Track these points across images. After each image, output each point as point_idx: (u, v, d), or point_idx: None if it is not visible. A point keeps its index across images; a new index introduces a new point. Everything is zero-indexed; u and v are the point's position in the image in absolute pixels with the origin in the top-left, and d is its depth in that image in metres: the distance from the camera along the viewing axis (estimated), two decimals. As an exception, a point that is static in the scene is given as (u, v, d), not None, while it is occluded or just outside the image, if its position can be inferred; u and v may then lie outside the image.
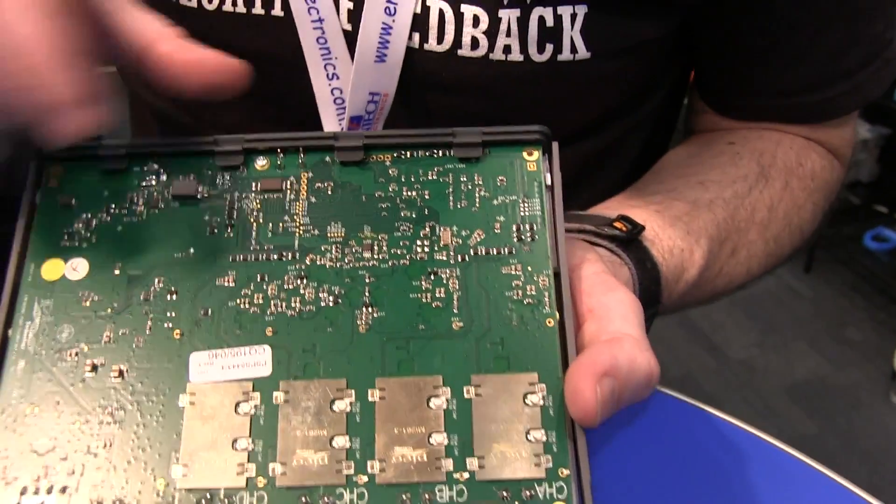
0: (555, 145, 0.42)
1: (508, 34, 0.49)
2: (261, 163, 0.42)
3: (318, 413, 0.37)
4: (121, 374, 0.38)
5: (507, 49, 0.49)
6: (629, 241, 0.49)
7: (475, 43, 0.49)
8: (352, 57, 0.50)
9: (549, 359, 0.37)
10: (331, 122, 0.53)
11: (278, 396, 0.37)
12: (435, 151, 0.42)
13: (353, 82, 0.50)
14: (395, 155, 0.42)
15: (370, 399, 0.37)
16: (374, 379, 0.37)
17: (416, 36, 0.49)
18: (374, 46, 0.49)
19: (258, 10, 0.50)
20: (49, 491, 0.36)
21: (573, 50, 0.50)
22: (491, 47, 0.49)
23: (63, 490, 0.36)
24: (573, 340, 0.38)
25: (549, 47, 0.49)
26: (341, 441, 0.36)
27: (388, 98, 0.51)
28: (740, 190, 0.57)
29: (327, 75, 0.51)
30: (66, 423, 0.37)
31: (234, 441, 0.36)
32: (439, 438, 0.36)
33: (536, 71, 0.50)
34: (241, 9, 0.50)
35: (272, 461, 0.36)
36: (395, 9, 0.48)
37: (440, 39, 0.49)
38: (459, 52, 0.49)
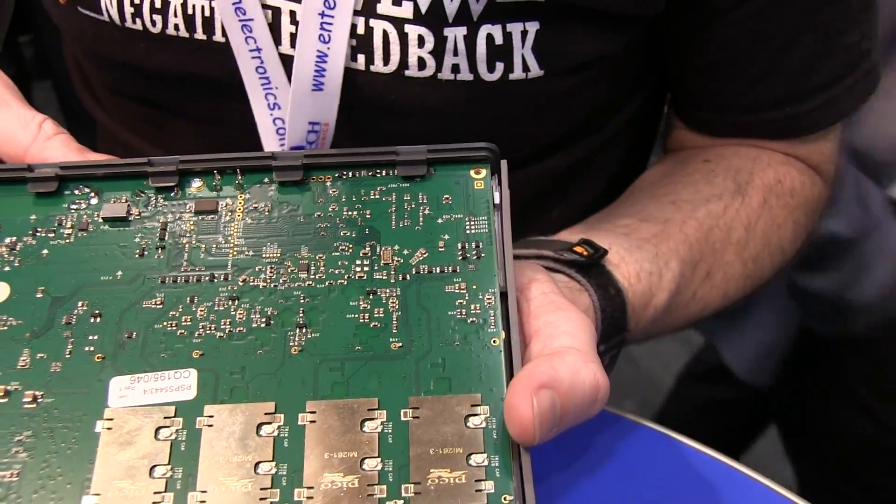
0: (503, 163, 0.40)
1: (456, 53, 0.47)
2: (196, 184, 0.40)
3: (244, 438, 0.34)
4: (34, 399, 0.35)
5: (455, 68, 0.48)
6: (590, 265, 0.46)
7: (422, 63, 0.48)
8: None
9: (493, 379, 0.35)
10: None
11: (202, 421, 0.35)
12: (378, 171, 0.40)
13: (292, 112, 0.48)
14: (336, 175, 0.40)
15: (300, 423, 0.34)
16: (304, 402, 0.35)
17: (362, 58, 0.48)
18: (310, 75, 0.47)
19: (199, 35, 0.49)
20: None
21: (525, 68, 0.48)
22: (439, 67, 0.48)
23: (-36, 522, 0.33)
24: (520, 360, 0.35)
25: (500, 66, 0.48)
26: (267, 467, 0.33)
27: (328, 127, 0.49)
28: (715, 209, 0.54)
29: (268, 105, 0.49)
30: None
31: (153, 468, 0.34)
32: (372, 464, 0.33)
33: (488, 90, 0.49)
34: (183, 33, 0.49)
35: (192, 489, 0.33)
36: (329, 36, 0.47)
37: (386, 60, 0.48)
38: (406, 72, 0.48)
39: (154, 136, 0.56)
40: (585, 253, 0.46)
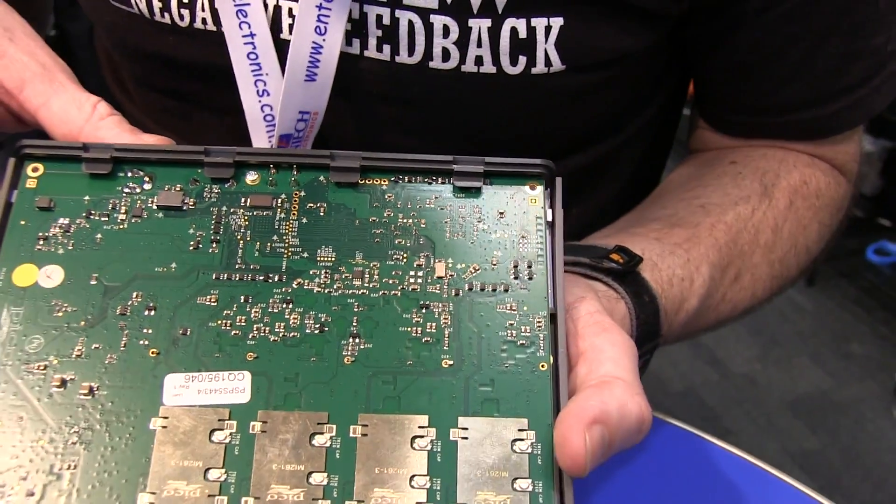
0: (558, 181, 0.40)
1: (479, 45, 0.47)
2: (251, 177, 0.41)
3: (297, 447, 0.35)
4: (91, 391, 0.36)
5: (478, 60, 0.48)
6: (625, 273, 0.47)
7: (446, 54, 0.48)
8: (283, 73, 0.49)
9: (540, 405, 0.36)
10: (260, 139, 0.51)
11: (255, 426, 0.35)
12: (434, 179, 0.41)
13: (283, 101, 0.49)
14: (391, 179, 0.41)
15: (351, 435, 0.35)
16: (357, 414, 0.36)
17: (387, 48, 0.48)
18: (304, 65, 0.48)
19: (199, 24, 0.49)
20: None
21: (547, 62, 0.49)
22: (462, 59, 0.48)
23: (21, 512, 0.34)
24: (566, 388, 0.36)
25: (523, 59, 0.48)
26: (319, 478, 0.35)
27: (318, 116, 0.49)
28: (743, 212, 0.55)
29: (257, 91, 0.49)
30: (28, 441, 0.35)
31: (207, 471, 0.35)
32: (422, 481, 0.35)
33: (509, 84, 0.49)
34: (210, 27, 0.50)
35: (245, 494, 0.34)
36: (325, 28, 0.46)
37: (411, 51, 0.48)
38: (431, 63, 0.48)
39: (181, 128, 0.57)
40: (621, 261, 0.47)
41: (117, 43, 0.56)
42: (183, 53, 0.52)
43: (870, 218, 2.21)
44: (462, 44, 0.48)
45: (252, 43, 0.48)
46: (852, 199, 0.63)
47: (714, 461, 0.52)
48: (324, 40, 0.47)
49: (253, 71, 0.48)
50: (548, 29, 0.48)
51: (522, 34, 0.48)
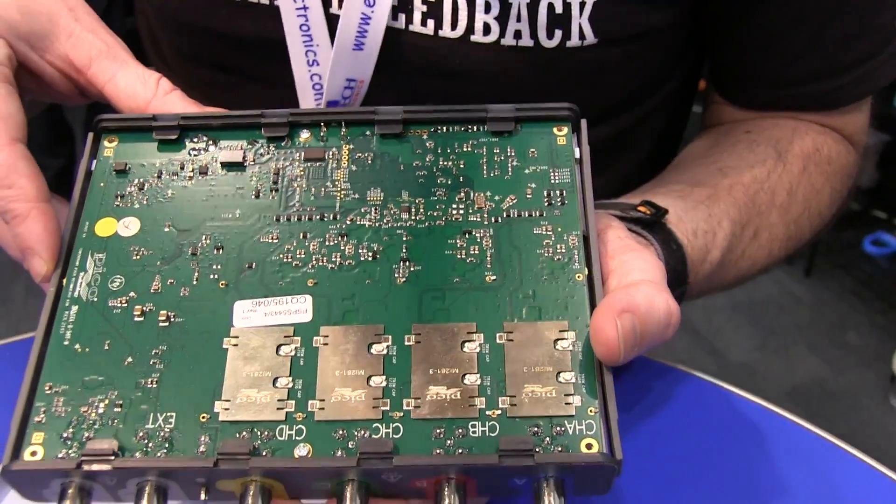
0: (583, 122, 0.44)
1: (519, 19, 0.52)
2: (304, 135, 0.45)
3: (357, 355, 0.38)
4: (168, 318, 0.39)
5: (517, 34, 0.52)
6: (653, 223, 0.51)
7: (487, 29, 0.52)
8: (333, 45, 0.53)
9: (578, 309, 0.39)
10: (308, 105, 0.55)
11: (318, 340, 0.39)
12: (470, 127, 0.44)
13: (332, 68, 0.53)
14: (431, 129, 0.44)
15: (406, 343, 0.38)
16: (410, 325, 0.39)
17: (431, 23, 0.52)
18: (353, 35, 0.52)
19: (278, 1, 0.53)
20: (99, 425, 0.37)
21: (581, 36, 0.52)
22: (502, 33, 0.52)
23: (111, 423, 0.37)
24: (601, 292, 0.39)
25: (558, 33, 0.52)
26: (378, 380, 0.38)
27: (363, 85, 0.54)
28: (759, 174, 0.59)
29: (307, 61, 0.53)
30: (115, 363, 0.38)
31: (275, 380, 0.38)
32: (473, 379, 0.37)
33: (546, 57, 0.53)
34: (264, 0, 0.53)
35: (311, 398, 0.37)
36: (374, 1, 0.51)
37: (454, 25, 0.52)
38: (472, 37, 0.52)
39: (227, 101, 0.60)
40: (648, 212, 0.50)
41: (167, 19, 0.59)
42: (235, 27, 0.56)
43: (866, 210, 2.24)
44: (502, 19, 0.52)
45: (305, 16, 0.52)
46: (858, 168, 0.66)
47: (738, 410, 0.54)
48: (372, 11, 0.51)
49: (304, 42, 0.53)
50: (582, 4, 0.52)
51: (559, 9, 0.52)
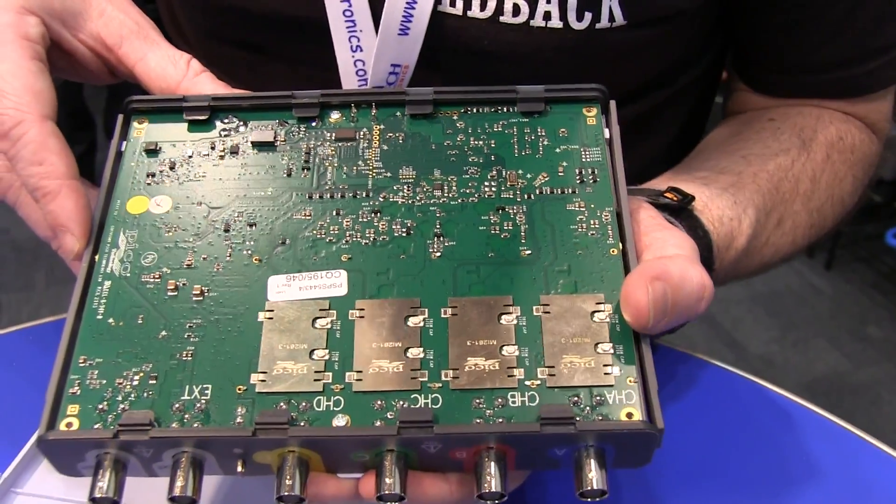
0: (612, 103, 0.44)
1: (548, 1, 0.52)
2: (335, 116, 0.45)
3: (393, 327, 0.38)
4: (202, 293, 0.39)
5: (547, 16, 0.52)
6: (680, 209, 0.51)
7: (516, 10, 0.52)
8: (377, 30, 0.53)
9: (613, 282, 0.39)
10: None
11: (354, 313, 0.39)
12: (500, 108, 0.45)
13: (377, 54, 0.53)
14: (462, 110, 0.45)
15: (443, 316, 0.38)
16: (446, 298, 0.39)
17: (460, 3, 0.52)
18: (398, 20, 0.52)
19: None
20: (134, 397, 0.37)
21: (611, 18, 0.53)
22: (532, 14, 0.52)
23: (147, 394, 0.37)
24: (636, 266, 0.39)
25: (588, 15, 0.52)
26: (416, 352, 0.37)
27: (408, 69, 0.54)
28: (783, 162, 0.59)
29: (351, 47, 0.53)
30: (149, 336, 0.38)
31: (312, 352, 0.38)
32: (511, 350, 0.37)
33: (575, 39, 0.53)
34: None
35: (348, 370, 0.37)
36: None
37: (483, 6, 0.52)
38: (501, 18, 0.52)
39: (248, 80, 0.59)
40: (675, 198, 0.51)
41: None
42: (261, 4, 0.56)
43: (889, 202, 2.21)
44: (532, 0, 0.52)
45: (348, 1, 0.52)
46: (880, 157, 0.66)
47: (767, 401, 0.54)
48: None
49: (348, 28, 0.53)
50: None
51: None
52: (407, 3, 0.51)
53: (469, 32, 0.53)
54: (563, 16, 0.52)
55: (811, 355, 1.92)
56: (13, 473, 0.47)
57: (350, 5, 0.52)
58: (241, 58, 0.60)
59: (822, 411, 0.54)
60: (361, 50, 0.54)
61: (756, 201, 0.56)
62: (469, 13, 0.52)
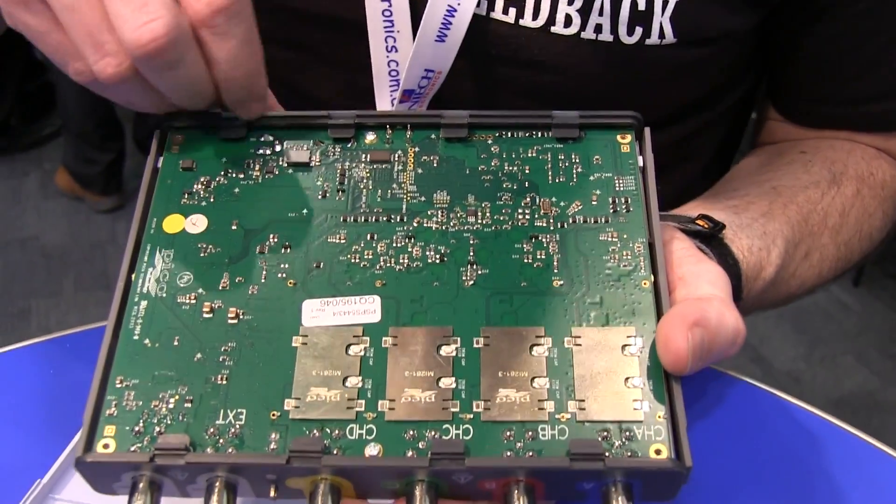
0: (647, 130, 0.44)
1: (601, 14, 0.52)
2: (370, 137, 0.45)
3: (426, 356, 0.38)
4: (237, 316, 0.40)
5: (598, 28, 0.52)
6: (711, 237, 0.51)
7: (568, 20, 0.52)
8: (414, 32, 0.53)
9: (645, 316, 0.39)
10: (383, 93, 0.55)
11: (387, 340, 0.39)
12: (534, 132, 0.45)
13: (412, 59, 0.52)
14: (496, 134, 0.45)
15: (475, 346, 0.39)
16: (479, 328, 0.39)
17: (513, 11, 0.52)
18: (436, 26, 0.51)
19: None
20: (170, 420, 0.37)
21: (661, 35, 0.53)
22: (583, 25, 0.52)
23: (182, 417, 0.37)
24: (668, 300, 0.39)
25: (639, 30, 0.52)
26: (448, 382, 0.38)
27: (441, 75, 0.54)
28: (813, 195, 0.59)
29: (386, 47, 0.53)
30: (184, 358, 0.39)
31: (345, 379, 0.38)
32: (542, 382, 0.38)
33: (624, 53, 0.53)
34: None
35: (381, 398, 0.38)
36: None
37: (535, 15, 0.52)
38: (553, 28, 0.52)
39: (291, 82, 0.59)
40: (706, 226, 0.51)
41: None
42: (311, 4, 0.55)
43: None
44: (585, 11, 0.52)
45: (389, 1, 0.52)
46: None
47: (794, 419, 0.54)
48: (458, 4, 0.51)
49: (385, 27, 0.53)
50: (665, 3, 0.52)
51: (642, 6, 0.52)
52: (447, 10, 0.51)
53: (519, 41, 0.53)
54: (615, 29, 0.52)
55: (839, 372, 1.90)
56: (51, 479, 0.48)
57: (390, 5, 0.52)
58: (287, 59, 0.59)
59: (851, 428, 0.54)
60: (397, 51, 0.54)
61: (785, 233, 0.56)
62: (521, 21, 0.52)
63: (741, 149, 0.72)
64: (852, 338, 2.00)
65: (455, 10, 0.51)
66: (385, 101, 0.55)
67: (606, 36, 0.53)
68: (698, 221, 0.51)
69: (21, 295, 2.03)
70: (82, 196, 2.22)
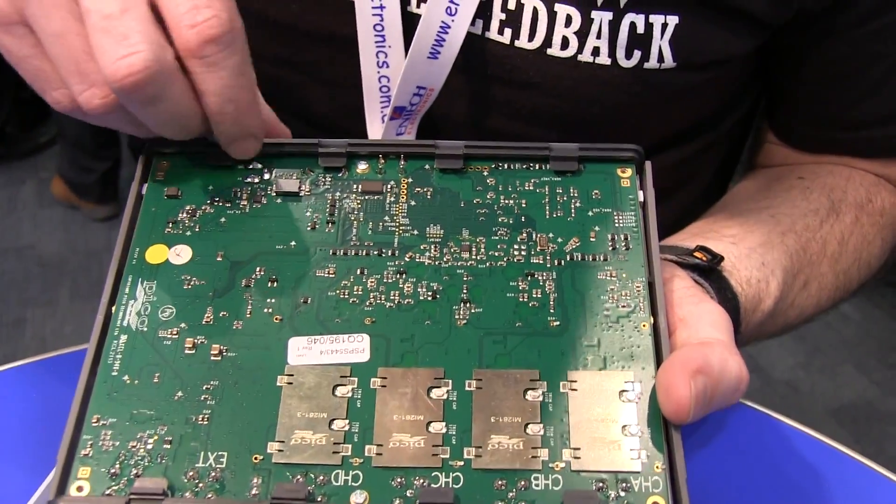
0: (648, 164, 0.43)
1: (599, 36, 0.50)
2: (362, 167, 0.44)
3: (415, 399, 0.37)
4: (220, 353, 0.38)
5: (595, 51, 0.51)
6: (710, 270, 0.49)
7: (565, 43, 0.51)
8: (406, 48, 0.51)
9: (643, 359, 0.38)
10: (374, 109, 0.54)
11: (376, 381, 0.37)
12: (532, 164, 0.43)
13: (404, 75, 0.51)
14: (492, 166, 0.43)
15: (467, 389, 0.37)
16: (471, 370, 0.38)
17: (508, 32, 0.51)
18: (430, 42, 0.50)
19: None
20: (148, 462, 0.36)
21: (660, 59, 0.51)
22: (580, 48, 0.51)
23: (160, 460, 0.36)
24: (668, 343, 0.38)
25: (637, 54, 0.51)
26: (438, 427, 0.36)
27: (433, 93, 0.52)
28: (812, 223, 0.58)
29: (377, 62, 0.52)
30: (164, 397, 0.37)
31: (331, 422, 0.37)
32: (536, 428, 0.36)
33: (622, 76, 0.52)
34: None
35: (368, 442, 0.36)
36: (455, 9, 0.49)
37: (531, 37, 0.51)
38: (549, 50, 0.51)
39: (283, 101, 0.57)
40: (704, 259, 0.49)
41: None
42: (306, 21, 0.54)
43: None
44: (582, 34, 0.51)
45: (380, 15, 0.51)
46: None
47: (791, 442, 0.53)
48: (453, 20, 0.49)
49: (377, 42, 0.51)
50: (664, 26, 0.51)
51: (640, 29, 0.51)
52: (441, 27, 0.50)
53: (514, 62, 0.52)
54: (612, 52, 0.51)
55: (838, 381, 1.89)
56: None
57: (382, 19, 0.51)
58: (279, 77, 0.58)
59: (850, 451, 0.52)
60: (388, 66, 0.52)
61: (783, 263, 0.55)
62: (517, 42, 0.51)
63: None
64: (851, 347, 1.98)
65: (449, 27, 0.50)
66: (375, 117, 0.54)
67: (604, 59, 0.51)
68: (696, 254, 0.50)
69: (16, 304, 2.02)
70: (78, 204, 2.21)
